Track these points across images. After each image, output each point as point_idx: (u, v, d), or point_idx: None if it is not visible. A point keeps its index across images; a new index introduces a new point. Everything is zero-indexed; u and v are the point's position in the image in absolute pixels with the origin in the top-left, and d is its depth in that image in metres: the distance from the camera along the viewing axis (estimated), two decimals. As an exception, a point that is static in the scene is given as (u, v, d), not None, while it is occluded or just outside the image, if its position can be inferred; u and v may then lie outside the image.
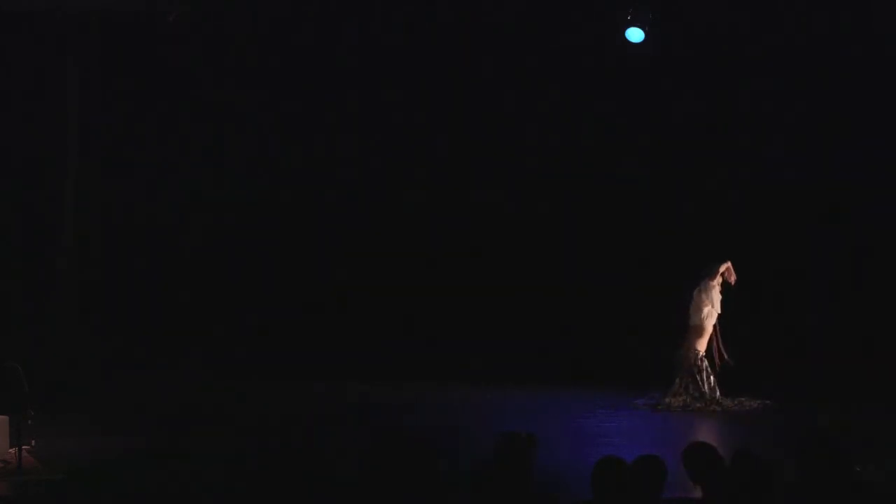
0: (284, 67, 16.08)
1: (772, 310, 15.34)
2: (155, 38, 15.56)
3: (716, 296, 14.29)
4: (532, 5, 15.63)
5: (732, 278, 14.28)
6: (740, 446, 6.92)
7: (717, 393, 14.20)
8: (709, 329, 14.29)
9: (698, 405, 14.10)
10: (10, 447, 10.38)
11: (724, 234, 15.63)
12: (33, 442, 10.69)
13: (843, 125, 15.47)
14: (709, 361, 14.26)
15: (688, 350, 14.27)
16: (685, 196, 15.91)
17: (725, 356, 14.27)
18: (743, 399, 14.23)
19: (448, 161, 16.31)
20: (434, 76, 16.12)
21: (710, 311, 14.26)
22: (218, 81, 16.02)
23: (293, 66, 16.09)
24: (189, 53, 15.84)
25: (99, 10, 15.45)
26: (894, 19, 14.67)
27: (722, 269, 14.30)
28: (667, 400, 14.19)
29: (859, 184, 15.51)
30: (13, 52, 15.42)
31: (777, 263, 15.55)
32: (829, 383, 14.56)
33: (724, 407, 14.12)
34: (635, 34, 15.09)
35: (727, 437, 12.90)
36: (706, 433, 13.18)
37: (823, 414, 13.56)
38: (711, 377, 14.23)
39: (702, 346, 14.28)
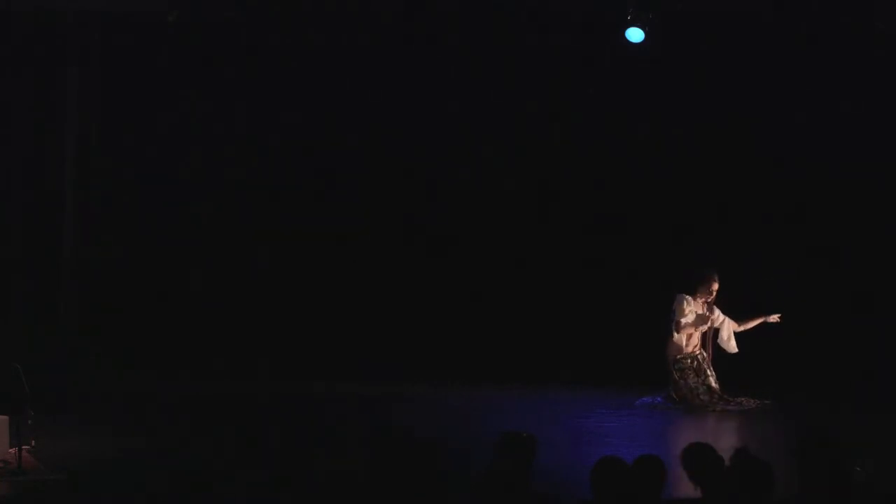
0: (285, 68, 16.07)
1: (770, 309, 15.33)
2: (155, 39, 15.57)
3: (696, 308, 14.26)
4: (530, 5, 15.64)
5: (712, 297, 14.27)
6: (740, 446, 6.93)
7: (699, 394, 14.16)
8: (692, 328, 14.25)
9: (686, 403, 14.14)
10: (10, 447, 10.37)
11: (722, 232, 15.65)
12: (33, 442, 10.69)
13: (844, 125, 15.46)
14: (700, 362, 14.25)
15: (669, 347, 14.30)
16: (685, 195, 15.90)
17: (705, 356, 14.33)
18: (743, 399, 14.23)
19: (448, 162, 16.29)
20: (430, 77, 16.11)
21: (689, 316, 14.23)
22: (219, 81, 16.01)
23: (294, 67, 16.08)
24: (189, 54, 15.84)
25: (98, 10, 15.45)
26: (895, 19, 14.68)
27: (711, 287, 14.25)
28: (661, 400, 14.24)
29: (860, 184, 15.51)
30: (13, 53, 15.41)
31: (775, 263, 15.55)
32: (829, 383, 14.57)
33: (724, 407, 14.13)
34: (635, 34, 15.09)
35: (727, 437, 12.90)
36: (706, 433, 13.18)
37: (823, 414, 13.57)
38: (689, 379, 14.19)
39: (689, 345, 14.25)
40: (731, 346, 14.41)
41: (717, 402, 14.18)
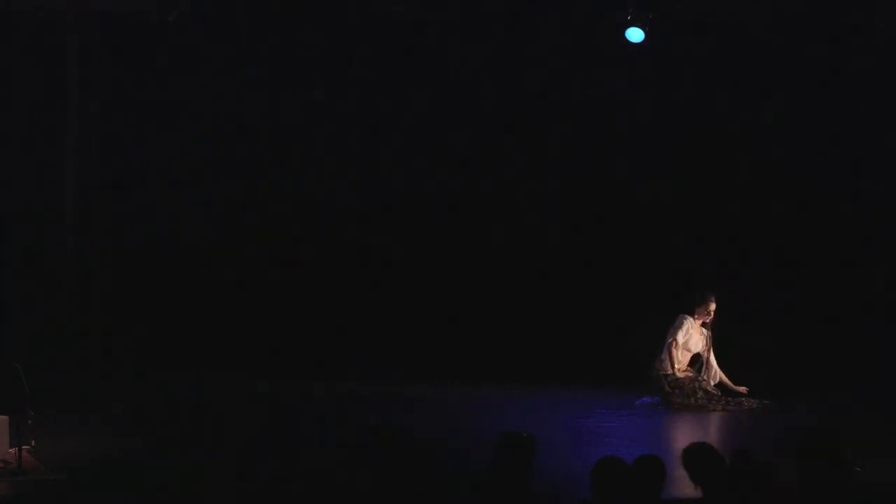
0: (286, 69, 16.07)
1: (770, 309, 15.35)
2: (155, 39, 15.58)
3: (694, 331, 14.26)
4: (530, 5, 15.65)
5: (710, 318, 14.26)
6: (740, 446, 6.93)
7: (697, 398, 14.16)
8: (683, 358, 14.25)
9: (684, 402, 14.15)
10: (10, 447, 10.37)
11: (723, 232, 15.65)
12: (33, 442, 10.68)
13: (845, 125, 15.47)
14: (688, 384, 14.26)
15: (657, 369, 14.29)
16: (684, 195, 15.91)
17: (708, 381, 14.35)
18: (743, 399, 14.24)
19: (447, 163, 16.28)
20: (429, 77, 16.12)
21: (688, 338, 14.24)
22: (219, 82, 16.01)
23: (295, 68, 16.09)
24: (190, 54, 15.84)
25: (98, 10, 15.46)
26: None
27: (709, 308, 14.23)
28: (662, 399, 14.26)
29: (861, 184, 15.51)
30: (12, 53, 15.42)
31: (775, 263, 15.56)
32: (829, 383, 14.57)
33: (724, 407, 14.13)
34: (635, 34, 15.10)
35: (727, 437, 12.91)
36: (706, 433, 13.19)
37: (823, 414, 13.57)
38: (685, 387, 14.18)
39: (672, 366, 14.23)
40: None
41: (717, 403, 14.18)
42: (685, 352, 14.29)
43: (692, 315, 14.25)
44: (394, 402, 14.29)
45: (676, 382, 14.20)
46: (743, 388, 14.28)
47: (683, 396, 14.15)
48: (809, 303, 15.37)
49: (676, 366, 14.19)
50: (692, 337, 14.28)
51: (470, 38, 15.86)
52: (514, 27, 15.79)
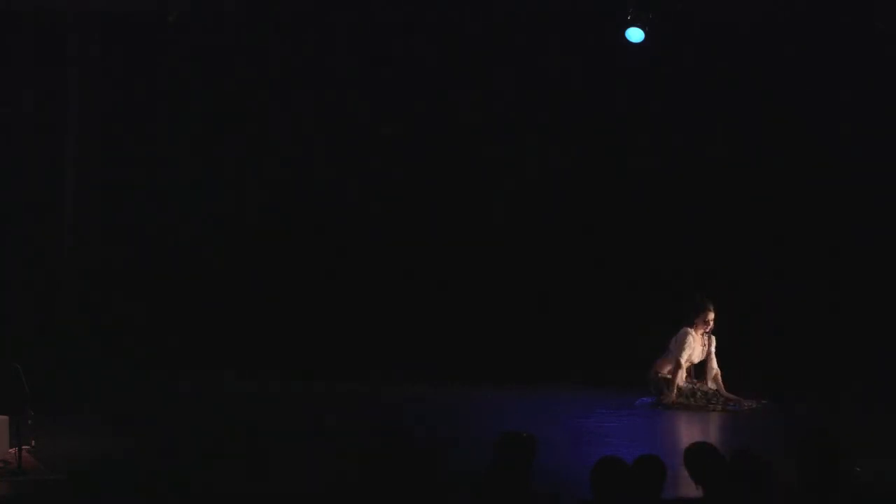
0: (287, 69, 16.08)
1: (769, 309, 15.36)
2: (155, 39, 15.58)
3: (696, 344, 14.26)
4: (530, 5, 15.65)
5: (709, 327, 14.24)
6: (740, 446, 6.93)
7: (697, 398, 14.16)
8: (679, 370, 14.26)
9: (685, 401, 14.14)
10: (10, 447, 10.38)
11: (723, 232, 15.66)
12: (33, 442, 10.69)
13: (845, 125, 15.47)
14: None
15: (655, 372, 14.28)
16: (685, 196, 15.91)
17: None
18: (742, 399, 14.24)
19: (448, 163, 16.28)
20: (428, 78, 16.12)
21: (693, 353, 14.24)
22: (219, 84, 16.02)
23: (296, 68, 16.09)
24: (190, 55, 15.84)
25: (98, 10, 15.46)
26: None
27: (708, 317, 14.22)
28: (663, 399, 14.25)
29: (861, 184, 15.51)
30: (12, 53, 15.43)
31: (775, 262, 15.57)
32: (829, 383, 14.58)
33: (724, 407, 14.13)
34: (635, 34, 15.10)
35: (727, 437, 12.91)
36: (706, 433, 13.19)
37: (823, 414, 13.57)
38: (685, 389, 14.17)
39: (675, 376, 14.23)
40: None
41: (717, 403, 14.18)
42: (687, 363, 14.31)
43: (692, 326, 14.24)
44: (394, 402, 14.29)
45: (674, 387, 14.19)
46: (735, 397, 14.28)
47: (683, 397, 14.16)
48: (809, 303, 15.37)
49: (679, 382, 14.19)
50: (695, 350, 14.29)
51: (469, 38, 15.86)
52: (514, 27, 15.79)
